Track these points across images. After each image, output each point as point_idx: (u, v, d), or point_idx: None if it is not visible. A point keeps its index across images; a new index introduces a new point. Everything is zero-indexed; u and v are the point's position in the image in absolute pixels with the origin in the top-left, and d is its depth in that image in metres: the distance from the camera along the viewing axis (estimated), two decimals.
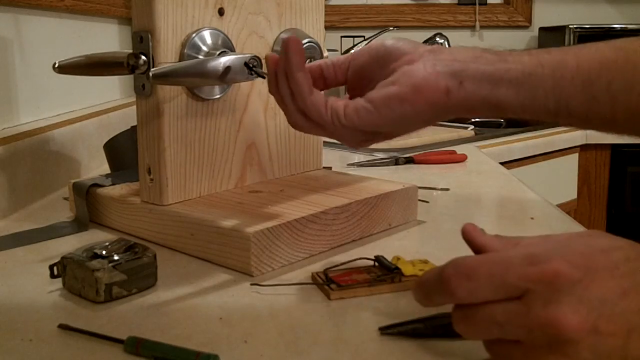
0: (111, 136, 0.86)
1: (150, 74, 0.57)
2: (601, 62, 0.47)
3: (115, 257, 0.52)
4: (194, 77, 0.62)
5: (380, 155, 1.13)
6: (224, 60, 0.63)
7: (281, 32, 0.74)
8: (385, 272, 0.54)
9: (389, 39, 0.54)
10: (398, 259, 0.56)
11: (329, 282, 0.53)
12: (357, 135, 0.52)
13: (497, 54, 0.50)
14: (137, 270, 0.53)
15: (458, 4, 2.09)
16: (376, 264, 0.57)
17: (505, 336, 0.37)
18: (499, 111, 0.50)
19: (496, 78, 0.48)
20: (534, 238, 0.41)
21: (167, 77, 0.59)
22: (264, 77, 0.59)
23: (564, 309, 0.35)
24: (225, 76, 0.64)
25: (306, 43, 0.74)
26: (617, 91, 0.47)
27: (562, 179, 1.62)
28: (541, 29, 2.08)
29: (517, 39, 2.11)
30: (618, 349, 0.35)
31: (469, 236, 0.41)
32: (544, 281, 0.35)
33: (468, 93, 0.48)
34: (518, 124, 1.61)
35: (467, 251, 0.53)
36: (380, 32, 1.71)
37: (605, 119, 0.48)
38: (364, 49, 0.55)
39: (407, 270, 0.54)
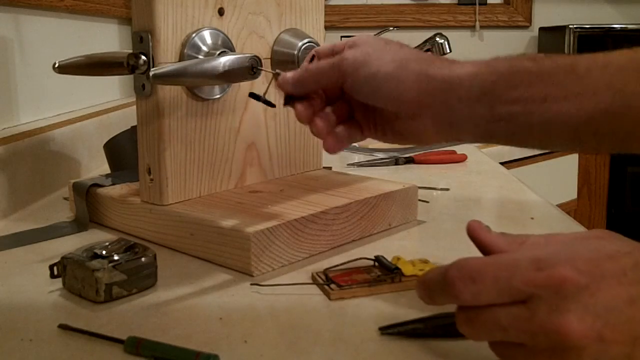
0: (111, 136, 0.86)
1: (151, 74, 0.57)
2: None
3: (115, 257, 0.52)
4: (194, 77, 0.62)
5: (380, 155, 1.13)
6: (224, 60, 0.63)
7: (281, 32, 0.74)
8: (385, 272, 0.54)
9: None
10: (398, 259, 0.56)
11: (329, 282, 0.53)
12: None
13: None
14: (137, 270, 0.53)
15: (458, 4, 2.09)
16: (376, 264, 0.57)
17: (509, 339, 0.37)
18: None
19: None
20: (540, 237, 0.40)
21: (167, 77, 0.59)
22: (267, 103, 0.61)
23: (569, 316, 0.34)
24: (225, 76, 0.64)
25: (306, 43, 0.74)
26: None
27: (562, 179, 1.62)
28: (541, 29, 2.08)
29: (517, 39, 2.11)
30: (623, 357, 0.35)
31: (474, 234, 0.41)
32: (550, 287, 0.35)
33: None
34: None
35: (468, 251, 0.53)
36: (380, 32, 1.71)
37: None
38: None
39: (407, 270, 0.54)
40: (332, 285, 0.53)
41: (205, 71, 0.62)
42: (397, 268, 0.54)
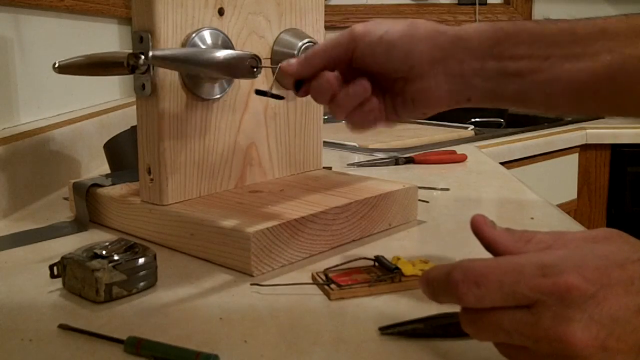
0: (111, 136, 0.86)
1: (150, 54, 0.57)
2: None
3: (115, 257, 0.52)
4: (193, 65, 0.61)
5: (380, 155, 1.13)
6: (224, 53, 0.63)
7: (281, 32, 0.74)
8: (385, 272, 0.54)
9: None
10: (398, 259, 0.56)
11: (329, 282, 0.53)
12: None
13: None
14: (137, 270, 0.53)
15: (458, 4, 2.09)
16: (376, 264, 0.57)
17: (512, 342, 0.36)
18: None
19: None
20: (546, 235, 0.39)
21: (166, 59, 0.59)
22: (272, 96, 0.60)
23: (574, 325, 0.34)
24: (224, 68, 0.63)
25: (306, 43, 0.73)
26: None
27: (562, 179, 1.62)
28: None
29: None
30: (625, 357, 0.34)
31: (479, 229, 0.40)
32: (556, 294, 0.34)
33: None
34: (518, 124, 1.61)
35: (468, 251, 0.53)
36: None
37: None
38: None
39: (407, 270, 0.54)
40: (332, 285, 0.52)
41: (204, 59, 0.61)
42: (397, 268, 0.54)
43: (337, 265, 0.56)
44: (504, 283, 0.35)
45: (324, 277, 0.54)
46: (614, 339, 0.34)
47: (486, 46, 0.52)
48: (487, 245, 0.40)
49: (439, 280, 0.38)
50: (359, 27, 0.54)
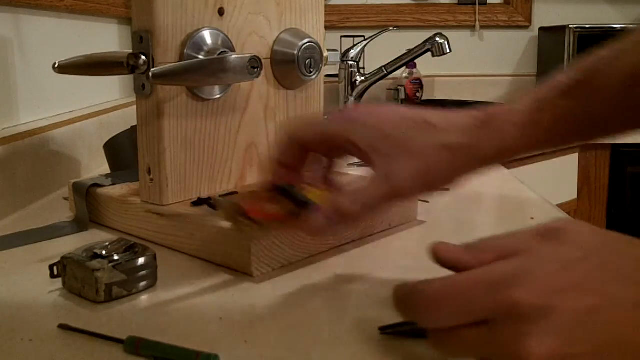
0: (111, 136, 0.86)
1: (150, 74, 0.57)
2: None
3: (115, 257, 0.52)
4: (194, 77, 0.62)
5: None
6: (224, 61, 0.63)
7: (281, 32, 0.74)
8: (296, 204, 0.52)
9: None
10: (303, 189, 0.53)
11: (241, 215, 0.52)
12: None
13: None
14: (137, 270, 0.53)
15: (458, 4, 2.09)
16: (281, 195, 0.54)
17: (481, 355, 0.36)
18: None
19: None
20: (500, 240, 0.40)
21: (167, 76, 0.59)
22: None
23: (528, 340, 0.33)
24: (225, 76, 0.64)
25: (306, 43, 0.74)
26: None
27: (562, 179, 1.62)
28: (541, 29, 2.08)
29: (517, 39, 2.11)
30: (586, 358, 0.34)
31: (439, 256, 0.40)
32: (506, 311, 0.34)
33: None
34: None
35: None
36: (380, 32, 1.71)
37: None
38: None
39: (315, 197, 0.51)
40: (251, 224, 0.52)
41: (205, 71, 0.62)
42: (309, 201, 0.51)
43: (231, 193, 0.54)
44: (457, 304, 0.36)
45: (239, 212, 0.53)
46: (570, 345, 0.34)
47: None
48: (450, 267, 0.40)
49: (402, 303, 0.39)
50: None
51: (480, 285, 0.36)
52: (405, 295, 0.38)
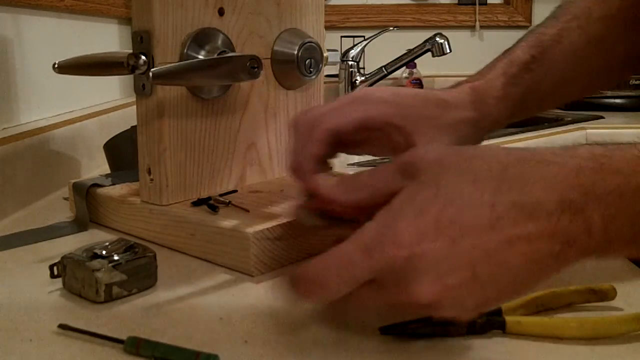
0: (111, 136, 0.86)
1: (150, 74, 0.57)
2: None
3: (115, 257, 0.52)
4: (194, 77, 0.62)
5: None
6: (224, 61, 0.63)
7: (281, 32, 0.74)
8: None
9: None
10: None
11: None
12: None
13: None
14: (137, 270, 0.53)
15: (458, 4, 2.09)
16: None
17: (379, 308, 0.41)
18: None
19: None
20: (369, 181, 0.43)
21: (167, 76, 0.59)
22: None
23: (413, 286, 0.38)
24: (225, 76, 0.64)
25: (306, 43, 0.74)
26: None
27: None
28: None
29: (517, 39, 2.11)
30: (469, 281, 0.38)
31: (320, 191, 0.45)
32: (386, 268, 0.38)
33: None
34: (518, 123, 1.60)
35: None
36: (380, 32, 1.71)
37: None
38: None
39: None
40: None
41: (205, 71, 0.62)
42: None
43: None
44: (342, 275, 0.39)
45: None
46: (448, 275, 0.37)
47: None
48: (310, 191, 0.45)
49: (293, 291, 0.41)
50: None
51: (355, 254, 0.39)
52: (292, 283, 0.41)
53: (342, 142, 0.53)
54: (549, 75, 0.59)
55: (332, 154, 0.54)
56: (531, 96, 0.59)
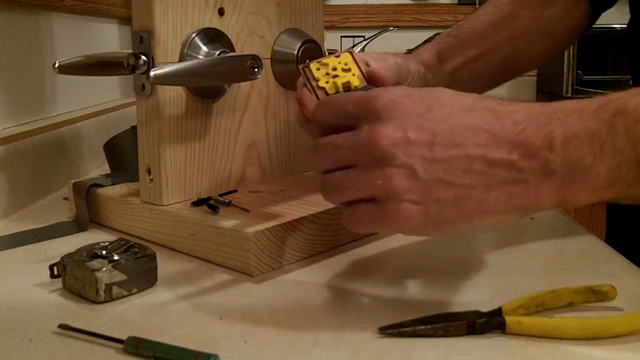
0: (111, 136, 0.86)
1: (151, 75, 0.57)
2: None
3: (115, 257, 0.52)
4: (194, 77, 0.62)
5: None
6: (224, 61, 0.63)
7: (281, 32, 0.74)
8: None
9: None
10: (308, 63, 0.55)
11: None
12: None
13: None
14: (137, 270, 0.53)
15: (458, 4, 2.09)
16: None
17: (342, 160, 0.45)
18: None
19: None
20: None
21: (167, 77, 0.59)
22: None
23: (381, 128, 0.42)
24: (225, 76, 0.64)
25: (306, 43, 0.74)
26: None
27: None
28: None
29: None
30: (427, 152, 0.42)
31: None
32: (366, 107, 0.44)
33: None
34: None
35: (469, 250, 0.54)
36: (380, 32, 1.71)
37: None
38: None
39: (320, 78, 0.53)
40: None
41: (205, 71, 0.62)
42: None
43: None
44: (341, 103, 0.46)
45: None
46: (413, 132, 0.42)
47: None
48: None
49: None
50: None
51: (359, 94, 0.46)
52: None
53: None
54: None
55: None
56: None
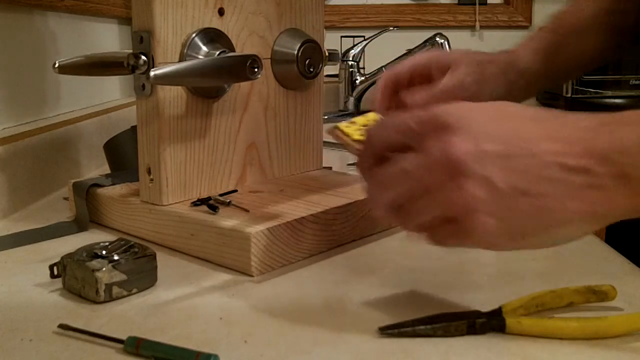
0: (111, 136, 0.86)
1: (151, 75, 0.57)
2: None
3: (115, 257, 0.52)
4: (194, 77, 0.62)
5: None
6: (224, 61, 0.63)
7: (281, 32, 0.74)
8: None
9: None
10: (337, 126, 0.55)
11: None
12: None
13: None
14: (137, 270, 0.53)
15: (458, 4, 2.09)
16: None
17: (416, 186, 0.42)
18: None
19: None
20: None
21: (167, 77, 0.59)
22: None
23: (451, 137, 0.41)
24: (225, 76, 0.64)
25: (306, 43, 0.74)
26: None
27: None
28: None
29: (517, 39, 2.11)
30: (502, 162, 0.40)
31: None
32: (430, 123, 0.42)
33: None
34: None
35: (469, 250, 0.54)
36: (380, 32, 1.71)
37: None
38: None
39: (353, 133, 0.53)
40: None
41: (205, 71, 0.62)
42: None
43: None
44: (401, 121, 0.44)
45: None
46: (485, 144, 0.40)
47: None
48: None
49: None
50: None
51: (416, 113, 0.44)
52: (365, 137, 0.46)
53: (401, 84, 0.68)
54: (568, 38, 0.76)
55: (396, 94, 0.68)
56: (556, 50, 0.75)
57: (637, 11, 0.77)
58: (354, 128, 0.53)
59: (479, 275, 0.57)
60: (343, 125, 0.53)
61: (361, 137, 0.51)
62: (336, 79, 1.76)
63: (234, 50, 0.68)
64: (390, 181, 0.43)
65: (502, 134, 0.41)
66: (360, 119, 0.55)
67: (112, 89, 1.29)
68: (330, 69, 1.75)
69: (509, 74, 0.71)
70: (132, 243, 0.55)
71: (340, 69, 1.74)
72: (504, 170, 0.40)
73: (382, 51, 1.85)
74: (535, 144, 0.41)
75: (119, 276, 0.51)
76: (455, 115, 0.42)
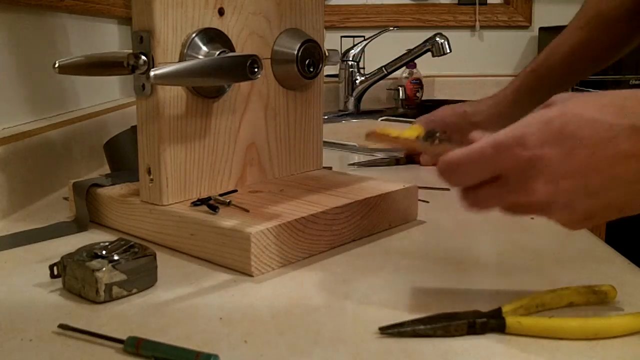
0: (111, 136, 0.86)
1: (151, 74, 0.57)
2: None
3: (115, 257, 0.52)
4: (194, 77, 0.62)
5: (380, 155, 1.13)
6: (224, 61, 0.63)
7: (281, 32, 0.74)
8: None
9: None
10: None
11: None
12: None
13: None
14: (137, 270, 0.53)
15: (458, 4, 2.09)
16: None
17: (500, 205, 0.47)
18: None
19: None
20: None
21: (167, 77, 0.59)
22: None
23: (530, 184, 0.43)
24: (225, 76, 0.64)
25: (306, 43, 0.74)
26: None
27: None
28: (541, 29, 2.08)
29: (517, 39, 2.11)
30: (583, 191, 0.43)
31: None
32: (507, 167, 0.44)
33: None
34: None
35: (469, 251, 0.54)
36: (380, 32, 1.71)
37: None
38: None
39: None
40: None
41: (205, 71, 0.62)
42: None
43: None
44: (474, 163, 0.45)
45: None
46: (564, 180, 0.43)
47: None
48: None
49: (439, 171, 0.47)
50: None
51: (486, 149, 0.44)
52: (439, 167, 0.47)
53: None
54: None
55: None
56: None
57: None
58: (387, 131, 0.54)
59: (479, 275, 0.57)
60: (379, 129, 0.54)
61: (404, 133, 0.53)
62: (336, 79, 1.76)
63: (234, 50, 0.68)
64: (478, 202, 0.47)
65: (578, 167, 0.43)
66: (392, 130, 0.55)
67: (111, 89, 1.29)
68: (330, 69, 1.75)
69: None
70: (132, 243, 0.55)
71: (340, 69, 1.74)
72: (588, 197, 0.43)
73: (382, 51, 1.85)
74: (612, 173, 0.43)
75: (119, 276, 0.51)
76: (529, 155, 0.43)
